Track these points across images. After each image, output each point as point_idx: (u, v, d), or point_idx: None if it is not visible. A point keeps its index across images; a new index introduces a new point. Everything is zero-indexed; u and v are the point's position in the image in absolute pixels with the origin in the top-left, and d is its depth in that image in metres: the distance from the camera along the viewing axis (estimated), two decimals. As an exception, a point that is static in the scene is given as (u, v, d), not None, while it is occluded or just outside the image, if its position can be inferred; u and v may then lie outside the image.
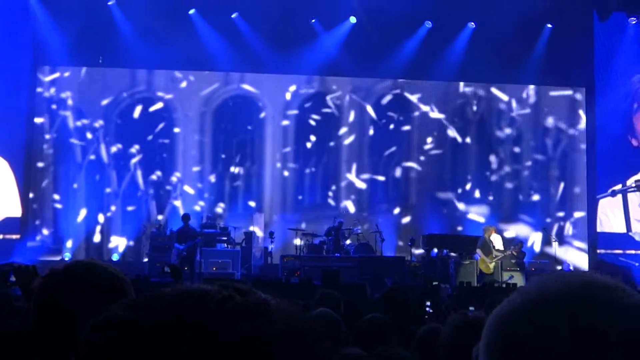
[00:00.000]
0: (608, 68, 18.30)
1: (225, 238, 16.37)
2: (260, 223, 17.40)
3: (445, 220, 18.18)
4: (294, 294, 10.25)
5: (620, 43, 18.35)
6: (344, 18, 17.96)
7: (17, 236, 16.81)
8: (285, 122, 18.37)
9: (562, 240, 18.09)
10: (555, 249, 17.03)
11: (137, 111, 17.91)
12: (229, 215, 17.73)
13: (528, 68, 18.28)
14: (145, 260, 16.21)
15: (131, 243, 17.41)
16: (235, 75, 18.36)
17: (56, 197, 17.46)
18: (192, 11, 17.55)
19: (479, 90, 18.89)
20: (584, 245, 18.34)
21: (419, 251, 16.75)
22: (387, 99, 18.64)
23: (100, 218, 17.45)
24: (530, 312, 0.92)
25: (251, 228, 17.07)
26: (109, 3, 17.23)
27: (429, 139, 18.64)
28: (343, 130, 18.50)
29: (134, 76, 18.06)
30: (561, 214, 18.62)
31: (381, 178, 18.41)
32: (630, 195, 18.07)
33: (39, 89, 17.61)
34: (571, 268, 17.21)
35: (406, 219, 18.27)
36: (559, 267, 16.86)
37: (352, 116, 18.54)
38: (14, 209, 16.88)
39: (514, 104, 18.92)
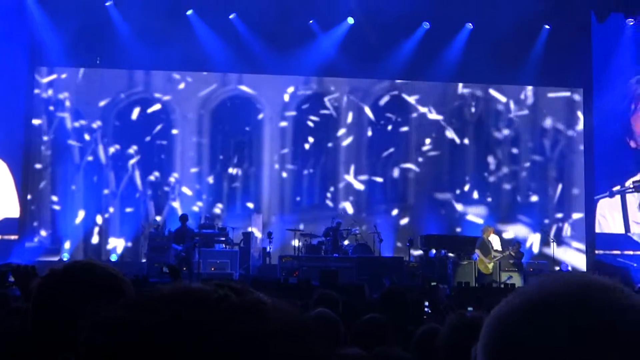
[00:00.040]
0: (606, 69, 18.31)
1: (223, 238, 16.36)
2: (259, 224, 17.39)
3: (444, 221, 18.17)
4: (293, 294, 10.25)
5: (618, 44, 18.36)
6: (341, 19, 17.95)
7: (16, 237, 16.80)
8: (283, 124, 18.36)
9: (560, 241, 18.09)
10: (554, 250, 17.04)
11: (135, 113, 17.89)
12: (227, 216, 17.72)
13: (526, 69, 18.27)
14: (144, 260, 16.19)
15: (129, 244, 17.39)
16: (233, 76, 18.35)
17: (54, 198, 17.44)
18: (189, 12, 17.54)
19: (477, 91, 18.89)
20: (582, 246, 18.35)
21: (417, 252, 16.74)
22: (384, 100, 18.63)
23: (99, 219, 17.43)
24: (528, 312, 0.92)
25: (249, 229, 17.06)
26: (107, 4, 17.21)
27: (427, 140, 18.64)
28: (341, 131, 18.49)
29: (132, 77, 18.04)
30: (559, 215, 18.62)
31: (379, 179, 18.40)
32: (628, 197, 18.08)
33: (36, 90, 17.58)
34: (569, 269, 17.21)
35: (404, 220, 18.26)
36: (557, 268, 16.86)
37: (350, 117, 18.54)
38: (12, 210, 16.87)
39: (512, 105, 18.92)
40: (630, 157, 18.11)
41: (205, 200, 17.86)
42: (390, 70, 18.08)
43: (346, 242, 16.61)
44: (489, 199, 18.55)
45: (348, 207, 18.17)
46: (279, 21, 17.19)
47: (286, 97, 18.35)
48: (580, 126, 18.87)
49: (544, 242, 17.95)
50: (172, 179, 17.85)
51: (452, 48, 18.18)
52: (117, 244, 17.37)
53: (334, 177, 18.40)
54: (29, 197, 17.32)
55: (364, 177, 18.39)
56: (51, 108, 17.61)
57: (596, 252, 18.09)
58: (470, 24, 18.10)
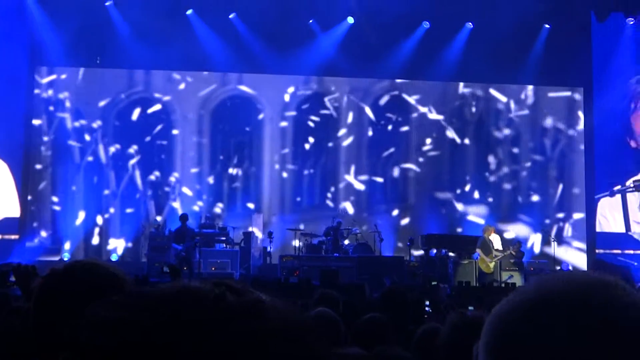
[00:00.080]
0: (606, 68, 18.30)
1: (224, 238, 16.37)
2: (259, 224, 17.39)
3: (444, 221, 18.16)
4: (293, 293, 10.26)
5: (618, 43, 18.35)
6: (341, 18, 17.94)
7: (16, 236, 16.80)
8: (284, 124, 18.36)
9: (561, 240, 18.09)
10: (554, 249, 17.04)
11: (136, 114, 17.88)
12: (228, 216, 17.72)
13: (526, 68, 18.27)
14: (144, 260, 16.19)
15: (129, 244, 17.39)
16: (233, 76, 18.34)
17: (55, 199, 17.43)
18: (189, 12, 17.54)
19: (477, 90, 18.88)
20: (582, 245, 18.34)
21: (418, 252, 16.73)
22: (384, 99, 18.63)
23: (99, 220, 17.43)
24: (529, 310, 0.92)
25: (250, 229, 17.05)
26: (107, 3, 17.21)
27: (428, 140, 18.63)
28: (342, 131, 18.49)
29: (132, 77, 18.04)
30: (560, 215, 18.61)
31: (379, 179, 18.40)
32: (629, 197, 18.07)
33: (36, 91, 17.58)
34: (570, 268, 17.22)
35: (405, 221, 18.25)
36: (558, 267, 16.86)
37: (350, 117, 18.53)
38: (13, 210, 16.87)
39: (512, 104, 18.91)
40: (630, 157, 18.11)
41: (206, 200, 17.85)
42: (390, 70, 18.08)
43: (347, 242, 16.61)
44: (491, 200, 18.53)
45: (349, 207, 18.16)
46: (278, 21, 17.19)
47: (287, 97, 18.34)
48: (580, 126, 18.87)
49: (545, 241, 17.94)
50: (172, 179, 17.84)
51: (452, 47, 18.17)
52: (117, 245, 17.36)
53: (334, 177, 18.39)
54: (29, 197, 17.32)
55: (364, 177, 18.39)
56: (51, 108, 17.61)
57: (597, 251, 18.09)
58: (470, 24, 18.10)
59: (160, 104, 17.97)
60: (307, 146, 18.31)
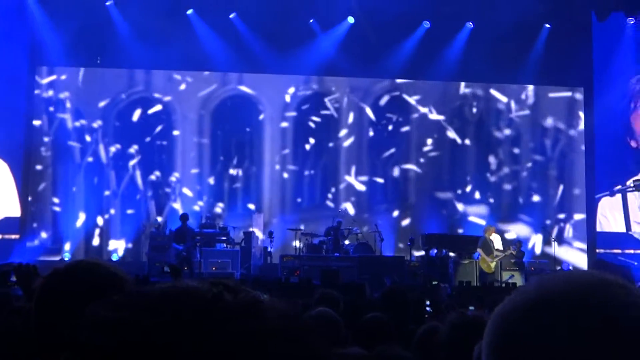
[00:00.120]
0: (607, 68, 18.29)
1: (224, 238, 16.37)
2: (260, 224, 17.39)
3: (445, 221, 18.16)
4: (294, 293, 10.27)
5: (618, 43, 18.35)
6: (341, 18, 17.94)
7: (17, 236, 16.79)
8: (284, 124, 18.35)
9: (561, 240, 18.08)
10: (555, 249, 17.03)
11: (137, 115, 17.87)
12: (228, 216, 17.71)
13: (526, 68, 18.26)
14: (145, 260, 16.19)
15: (130, 245, 17.38)
16: (233, 76, 18.33)
17: (55, 200, 17.42)
18: (190, 11, 17.54)
19: (478, 90, 18.87)
20: (583, 245, 18.33)
21: (419, 253, 16.72)
22: (385, 99, 18.62)
23: (99, 221, 17.42)
24: (529, 310, 0.93)
25: (250, 229, 17.05)
26: (107, 3, 17.21)
27: (429, 141, 18.61)
28: (343, 132, 18.48)
29: (132, 76, 18.03)
30: (561, 215, 18.61)
31: (380, 180, 18.38)
32: (630, 197, 18.06)
33: (36, 91, 17.57)
34: (570, 268, 17.21)
35: (406, 221, 18.24)
36: (558, 267, 16.86)
37: (350, 118, 18.53)
38: (13, 209, 16.87)
39: (512, 105, 18.90)
40: (630, 157, 18.10)
41: (206, 201, 17.85)
42: (390, 70, 18.08)
43: (347, 242, 16.60)
44: (492, 201, 18.52)
45: (349, 207, 18.14)
46: (279, 21, 17.20)
47: (287, 98, 18.33)
48: (581, 126, 18.86)
49: (546, 241, 17.94)
50: (173, 178, 17.84)
51: (452, 47, 18.17)
52: (117, 246, 17.35)
53: (335, 178, 18.38)
54: (29, 198, 17.31)
55: (364, 178, 18.38)
56: (51, 109, 17.60)
57: (597, 250, 18.08)
58: (470, 23, 18.10)
59: (160, 104, 17.96)
60: (307, 147, 18.31)
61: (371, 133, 18.51)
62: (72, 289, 1.80)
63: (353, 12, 17.78)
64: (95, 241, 17.39)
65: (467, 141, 18.72)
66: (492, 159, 18.76)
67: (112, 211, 17.54)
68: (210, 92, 18.21)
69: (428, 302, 7.35)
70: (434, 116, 18.68)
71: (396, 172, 18.49)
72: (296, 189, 18.20)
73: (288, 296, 9.59)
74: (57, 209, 17.37)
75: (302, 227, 17.06)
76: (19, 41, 16.86)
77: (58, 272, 1.89)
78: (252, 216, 17.60)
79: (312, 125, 18.37)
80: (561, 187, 18.71)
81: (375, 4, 16.90)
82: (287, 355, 0.83)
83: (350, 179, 18.37)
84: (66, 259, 16.27)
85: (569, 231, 18.50)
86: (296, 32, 17.52)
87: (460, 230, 18.00)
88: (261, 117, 18.28)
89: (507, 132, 18.84)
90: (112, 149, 17.69)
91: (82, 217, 17.25)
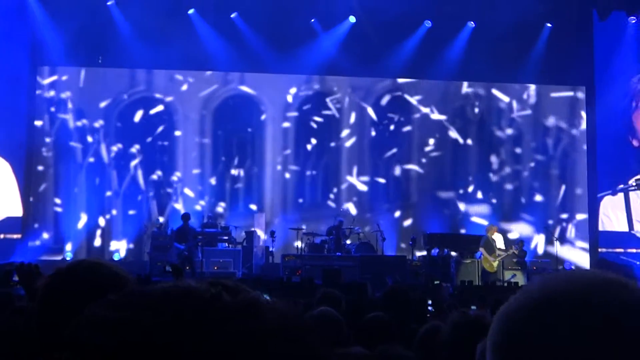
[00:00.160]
0: (608, 67, 18.29)
1: (226, 237, 16.38)
2: (261, 223, 17.38)
3: (447, 221, 18.15)
4: (295, 293, 10.27)
5: (620, 42, 18.34)
6: (343, 18, 17.95)
7: (18, 236, 16.81)
8: (286, 124, 18.34)
9: (564, 240, 18.08)
10: (557, 248, 17.03)
11: (138, 116, 17.86)
12: (230, 215, 17.71)
13: (528, 67, 18.26)
14: (146, 259, 16.19)
15: (131, 246, 17.39)
16: (235, 76, 18.33)
17: (57, 201, 17.43)
18: (191, 11, 17.55)
19: (479, 89, 18.87)
20: (585, 245, 18.33)
21: (420, 253, 16.71)
22: (386, 99, 18.62)
23: (101, 222, 17.42)
24: (532, 310, 0.93)
25: (252, 228, 17.05)
26: (108, 3, 17.23)
27: (431, 141, 18.60)
28: (345, 132, 18.47)
29: (134, 76, 18.03)
30: (564, 215, 18.60)
31: (382, 180, 18.38)
32: (632, 196, 18.06)
33: (38, 91, 17.57)
34: (573, 267, 17.21)
35: (407, 222, 18.24)
36: (561, 267, 16.86)
37: (352, 118, 18.52)
38: (15, 209, 16.88)
39: (514, 104, 18.89)
40: (632, 156, 18.09)
41: (208, 201, 17.85)
42: (392, 69, 18.08)
43: (349, 241, 16.60)
44: (494, 201, 18.51)
45: (351, 208, 18.13)
46: (280, 20, 17.21)
47: (289, 98, 18.33)
48: (583, 125, 18.85)
49: (548, 241, 17.93)
50: (174, 178, 17.84)
51: (453, 47, 18.17)
52: (119, 247, 17.35)
53: (336, 178, 18.38)
54: (31, 199, 17.32)
55: (366, 178, 18.37)
56: (52, 109, 17.60)
57: (599, 250, 18.08)
58: (472, 23, 18.09)
59: (162, 104, 17.96)
60: (309, 147, 18.30)
61: (373, 133, 18.50)
62: (75, 288, 1.81)
63: (354, 12, 17.79)
64: (97, 242, 17.39)
65: (469, 141, 18.71)
66: (494, 159, 18.76)
67: (114, 212, 17.54)
68: (211, 92, 18.21)
69: (430, 302, 7.35)
70: (436, 116, 18.68)
71: (398, 172, 18.48)
72: (298, 190, 18.19)
73: (290, 296, 9.60)
74: (58, 209, 17.38)
75: (303, 226, 17.07)
76: (20, 41, 16.88)
77: (61, 272, 1.89)
78: (253, 216, 17.60)
79: (313, 125, 18.37)
80: (563, 187, 18.70)
81: (377, 4, 16.91)
82: (286, 355, 0.82)
83: (352, 179, 18.36)
84: (68, 258, 16.29)
85: (571, 230, 18.50)
86: (297, 32, 17.52)
87: (463, 231, 17.99)
88: (263, 117, 18.28)
89: (509, 131, 18.83)
90: (114, 148, 17.70)
91: (83, 218, 17.26)
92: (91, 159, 17.56)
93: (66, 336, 0.85)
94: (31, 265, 2.64)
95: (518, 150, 18.82)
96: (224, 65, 17.91)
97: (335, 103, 18.49)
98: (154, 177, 17.78)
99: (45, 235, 17.19)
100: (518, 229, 18.24)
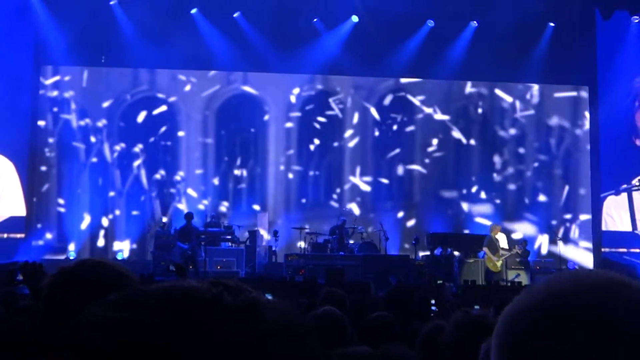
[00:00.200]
0: (611, 67, 18.26)
1: (229, 237, 16.39)
2: (265, 223, 17.39)
3: (450, 221, 18.14)
4: (299, 292, 10.27)
5: (623, 41, 18.31)
6: (346, 17, 17.95)
7: (22, 235, 16.83)
8: (289, 124, 18.34)
9: (567, 240, 18.06)
10: (560, 248, 17.02)
11: (142, 116, 17.87)
12: (233, 215, 17.72)
13: (530, 67, 18.24)
14: (150, 259, 16.21)
15: (134, 246, 17.40)
16: (238, 75, 18.34)
17: (60, 201, 17.44)
18: (194, 11, 17.56)
19: (482, 89, 18.85)
20: (589, 245, 18.31)
21: (424, 252, 16.70)
22: (389, 99, 18.61)
23: (104, 222, 17.44)
24: (537, 310, 0.93)
25: (255, 228, 17.05)
26: (111, 3, 17.24)
27: (435, 141, 18.59)
28: (348, 132, 18.47)
29: (137, 76, 18.04)
30: (567, 215, 18.58)
31: (385, 180, 18.37)
32: (635, 196, 18.04)
33: (41, 91, 17.59)
34: (576, 267, 17.19)
35: (411, 222, 18.22)
36: (564, 267, 16.84)
37: (355, 118, 18.52)
38: (19, 208, 16.90)
39: (517, 104, 18.87)
40: (636, 156, 18.06)
41: (211, 201, 17.86)
42: (394, 69, 18.07)
43: (352, 241, 16.60)
44: (498, 201, 18.50)
45: (354, 208, 18.12)
46: (283, 20, 17.21)
47: (292, 99, 18.32)
48: (586, 125, 18.82)
49: (552, 241, 17.92)
50: (177, 178, 17.85)
51: (456, 46, 18.16)
52: (122, 247, 17.36)
53: (339, 178, 18.37)
54: (34, 199, 17.34)
55: (369, 178, 18.36)
56: (55, 109, 17.62)
57: (603, 250, 18.06)
58: (474, 22, 18.08)
59: (165, 104, 17.97)
60: (312, 147, 18.30)
61: (376, 133, 18.49)
62: (79, 287, 1.81)
63: (357, 11, 17.79)
64: (100, 242, 17.41)
65: (472, 141, 18.70)
66: (497, 159, 18.74)
67: (117, 212, 17.55)
68: (214, 92, 18.22)
69: (433, 301, 7.34)
70: (439, 116, 18.67)
71: (401, 171, 18.47)
72: (301, 190, 18.18)
73: (293, 295, 9.60)
74: (61, 209, 17.39)
75: (306, 226, 17.07)
76: (23, 41, 16.90)
77: (65, 271, 1.90)
78: (256, 215, 17.61)
79: (316, 125, 18.37)
80: (566, 187, 18.68)
81: (380, 3, 16.91)
82: (286, 356, 0.82)
83: (355, 179, 18.35)
84: (72, 257, 16.29)
85: (574, 230, 18.48)
86: (300, 32, 17.53)
87: (466, 231, 17.97)
88: (266, 117, 18.29)
89: (512, 131, 18.82)
90: (117, 148, 17.71)
91: (87, 219, 17.27)
92: (94, 159, 17.57)
93: (66, 336, 0.85)
94: (35, 264, 2.65)
95: (521, 150, 18.80)
96: (227, 65, 17.92)
97: (338, 103, 18.48)
98: (157, 177, 17.80)
99: (49, 236, 17.21)
100: (521, 229, 18.23)
